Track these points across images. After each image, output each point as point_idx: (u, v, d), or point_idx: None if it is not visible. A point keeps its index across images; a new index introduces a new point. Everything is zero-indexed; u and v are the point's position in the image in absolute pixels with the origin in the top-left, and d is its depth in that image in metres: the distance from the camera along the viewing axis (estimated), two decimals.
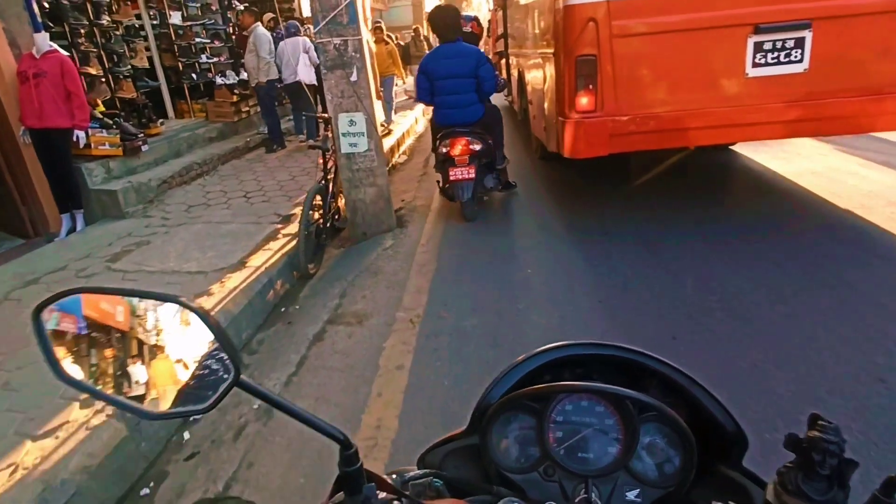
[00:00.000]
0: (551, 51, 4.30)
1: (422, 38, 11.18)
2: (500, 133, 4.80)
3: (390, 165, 6.57)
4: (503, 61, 9.88)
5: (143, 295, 0.58)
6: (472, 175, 4.44)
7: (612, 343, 0.68)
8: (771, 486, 0.52)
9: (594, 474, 0.65)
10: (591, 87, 3.86)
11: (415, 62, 10.78)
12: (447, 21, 4.54)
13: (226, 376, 0.54)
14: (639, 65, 3.83)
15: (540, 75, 4.97)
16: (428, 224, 4.84)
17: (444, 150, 4.50)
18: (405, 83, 9.16)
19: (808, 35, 3.70)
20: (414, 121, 9.91)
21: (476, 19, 7.31)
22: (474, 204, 4.64)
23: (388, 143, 6.85)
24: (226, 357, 0.54)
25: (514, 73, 7.75)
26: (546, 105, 4.80)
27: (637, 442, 0.64)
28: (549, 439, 0.66)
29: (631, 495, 0.64)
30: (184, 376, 0.56)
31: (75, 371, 0.57)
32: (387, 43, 8.72)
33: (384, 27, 9.05)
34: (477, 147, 4.47)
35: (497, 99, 6.78)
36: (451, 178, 4.46)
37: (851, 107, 3.86)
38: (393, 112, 8.95)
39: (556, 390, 0.65)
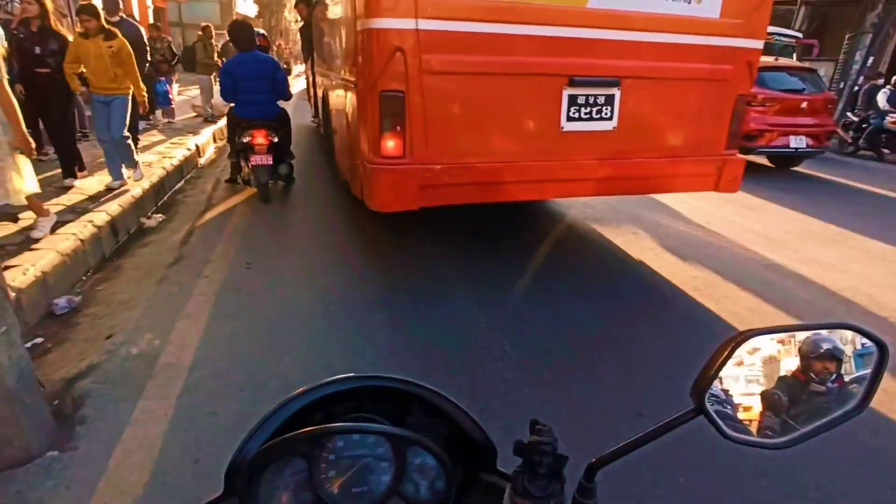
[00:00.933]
0: (353, 79, 3.57)
1: (213, 41, 9.64)
2: (290, 132, 5.82)
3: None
4: (309, 77, 8.99)
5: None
6: (271, 161, 5.21)
7: (376, 375, 0.69)
8: (507, 491, 0.58)
9: None
10: (398, 128, 3.22)
11: (201, 69, 9.56)
12: (246, 34, 5.43)
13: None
14: (452, 107, 3.31)
15: (343, 104, 4.22)
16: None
17: (247, 139, 5.17)
18: (146, 111, 5.65)
19: (616, 93, 3.57)
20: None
21: (264, 35, 9.18)
22: (268, 188, 5.39)
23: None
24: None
25: (320, 93, 6.89)
26: (349, 142, 4.06)
27: (406, 465, 0.65)
28: (322, 480, 0.64)
29: None
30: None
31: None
32: (109, 37, 4.73)
33: (99, 11, 4.86)
34: (274, 139, 5.23)
35: (303, 118, 8.59)
36: (253, 163, 5.18)
37: (652, 167, 3.83)
38: (136, 154, 5.35)
39: (321, 432, 0.63)
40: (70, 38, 4.87)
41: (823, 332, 0.60)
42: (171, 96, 8.88)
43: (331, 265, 4.01)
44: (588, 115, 3.56)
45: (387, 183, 3.31)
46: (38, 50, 4.72)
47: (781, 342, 0.60)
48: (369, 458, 0.66)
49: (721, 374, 0.57)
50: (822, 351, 0.61)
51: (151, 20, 14.34)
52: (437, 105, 3.25)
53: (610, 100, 3.57)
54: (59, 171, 5.03)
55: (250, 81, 5.19)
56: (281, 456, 0.64)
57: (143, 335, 2.86)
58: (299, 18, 9.00)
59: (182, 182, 6.28)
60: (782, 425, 0.60)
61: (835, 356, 0.61)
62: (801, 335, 0.61)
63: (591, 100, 3.53)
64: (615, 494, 1.64)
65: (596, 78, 3.49)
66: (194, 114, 9.90)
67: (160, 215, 5.03)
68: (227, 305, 3.24)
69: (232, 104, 5.46)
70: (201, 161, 7.32)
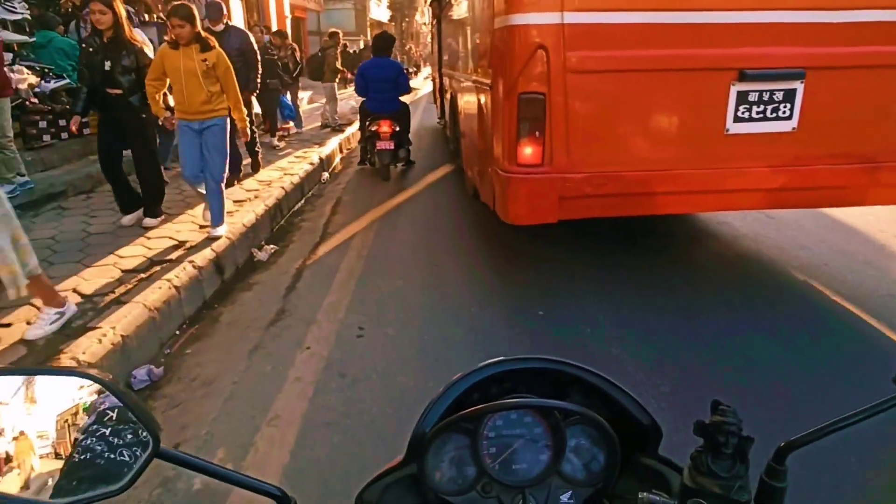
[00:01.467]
0: (488, 81, 3.37)
1: (346, 49, 9.93)
2: (409, 123, 6.71)
3: None
4: (437, 80, 9.01)
5: (35, 372, 0.54)
6: (392, 147, 6.24)
7: (535, 356, 0.70)
8: (686, 470, 0.57)
9: (529, 484, 0.66)
10: (537, 134, 2.96)
11: (329, 76, 9.00)
12: (383, 43, 6.56)
13: (144, 447, 0.51)
14: (598, 110, 2.98)
15: (474, 107, 4.04)
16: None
17: (374, 128, 6.22)
18: (248, 137, 4.56)
19: (799, 87, 2.99)
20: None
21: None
22: (389, 168, 6.48)
23: None
24: (140, 427, 0.51)
25: (448, 95, 6.82)
26: (480, 148, 3.86)
27: (565, 446, 0.66)
28: (484, 456, 0.67)
29: (564, 498, 0.67)
30: (96, 457, 0.51)
31: None
32: (205, 49, 3.75)
33: (194, 15, 3.76)
34: (396, 128, 6.21)
35: (429, 120, 8.95)
36: (378, 147, 6.23)
37: (840, 176, 3.17)
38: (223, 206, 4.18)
39: (490, 410, 0.65)
40: (148, 51, 4.14)
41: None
42: (296, 106, 8.69)
43: (462, 330, 3.02)
44: (761, 115, 3.02)
45: (523, 193, 3.07)
46: (107, 65, 3.84)
47: None
48: (527, 437, 0.68)
49: None
50: None
51: (290, 31, 15.43)
52: (581, 107, 2.93)
53: (790, 95, 3.00)
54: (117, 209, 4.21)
55: (379, 82, 6.24)
56: (447, 432, 0.67)
57: (215, 450, 2.14)
58: (431, 19, 9.05)
59: (302, 202, 5.66)
60: None
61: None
62: None
63: (766, 96, 2.99)
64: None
65: (774, 70, 2.95)
66: (321, 123, 9.57)
67: (272, 246, 4.27)
68: (326, 403, 2.42)
69: (363, 98, 6.52)
70: (325, 176, 6.71)
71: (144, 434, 0.51)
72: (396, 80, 6.23)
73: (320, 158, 6.84)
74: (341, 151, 8.33)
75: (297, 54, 8.78)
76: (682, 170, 3.08)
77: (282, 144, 7.51)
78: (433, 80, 10.20)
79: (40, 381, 0.52)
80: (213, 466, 0.54)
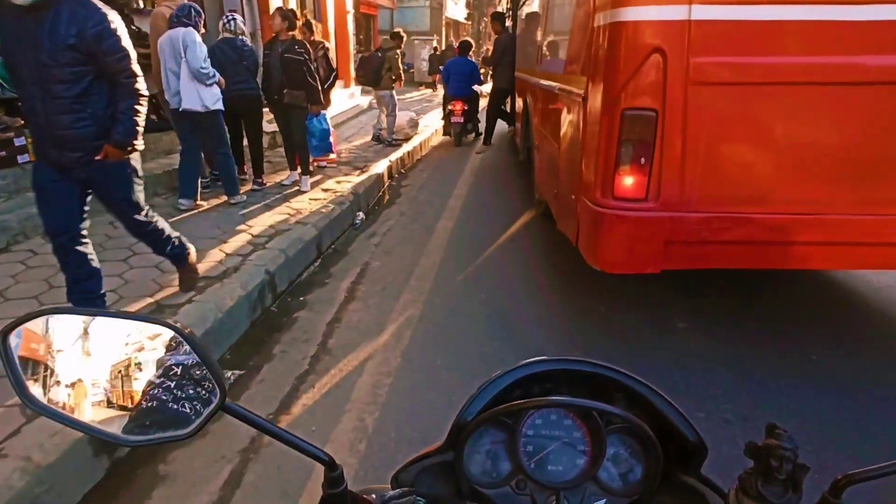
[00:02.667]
0: (578, 90, 2.74)
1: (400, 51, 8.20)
2: (477, 107, 8.93)
3: None
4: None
5: (123, 316, 0.58)
6: (462, 121, 8.48)
7: (580, 358, 0.69)
8: (733, 491, 0.56)
9: (564, 486, 0.66)
10: (642, 160, 2.32)
11: (386, 83, 7.71)
12: (466, 48, 8.83)
13: (212, 399, 0.53)
14: (729, 133, 2.31)
15: (556, 119, 3.41)
16: None
17: (450, 107, 8.42)
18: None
19: None
20: None
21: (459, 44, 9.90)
22: (462, 137, 8.73)
23: None
24: (211, 379, 0.54)
25: (519, 101, 6.17)
26: (561, 168, 3.23)
27: (604, 453, 0.65)
28: (521, 453, 0.66)
29: None
30: (164, 400, 0.54)
31: (47, 396, 0.54)
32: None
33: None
34: (466, 108, 8.39)
35: (501, 125, 8.57)
36: (452, 121, 8.48)
37: None
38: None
39: (532, 406, 0.65)
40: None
41: None
42: (331, 139, 5.70)
43: None
44: None
45: (619, 235, 2.43)
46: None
47: None
48: (565, 440, 0.66)
49: None
50: None
51: (352, 30, 14.89)
52: (704, 129, 2.27)
53: None
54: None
55: (458, 75, 8.41)
56: (490, 425, 0.66)
57: None
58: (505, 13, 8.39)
59: (316, 264, 3.95)
60: None
61: None
62: None
63: None
64: None
65: None
66: (372, 136, 8.11)
67: (232, 373, 2.58)
68: None
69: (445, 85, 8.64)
70: (360, 217, 4.92)
71: (213, 386, 0.54)
72: (471, 75, 8.49)
73: (354, 193, 5.12)
74: (391, 177, 6.53)
75: (331, 55, 6.10)
76: (840, 214, 2.33)
77: (307, 190, 5.20)
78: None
79: (127, 324, 0.55)
80: (271, 426, 0.55)
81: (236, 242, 3.80)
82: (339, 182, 5.59)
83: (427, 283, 3.53)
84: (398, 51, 7.98)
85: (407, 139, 8.05)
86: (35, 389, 0.54)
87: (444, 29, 24.54)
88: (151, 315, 0.56)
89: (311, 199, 4.91)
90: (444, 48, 18.44)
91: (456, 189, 5.95)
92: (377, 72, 7.71)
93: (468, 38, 9.63)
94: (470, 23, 29.77)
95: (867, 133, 2.26)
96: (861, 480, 0.53)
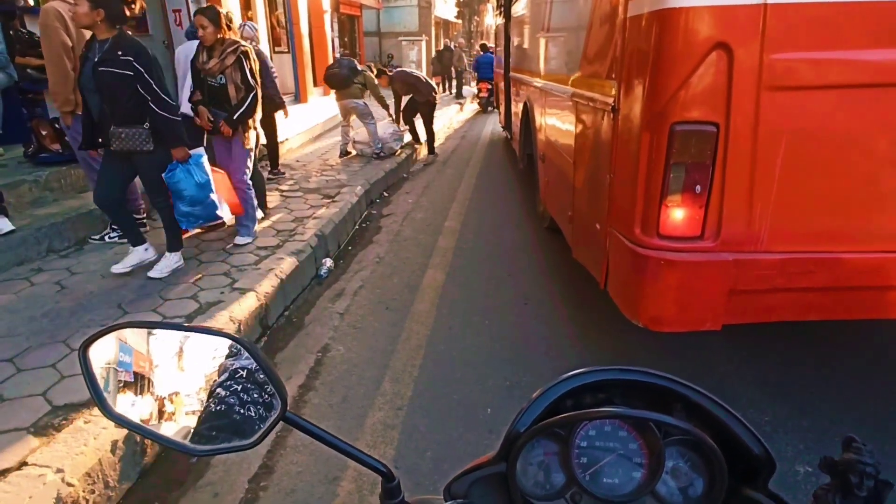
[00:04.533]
0: (605, 98, 2.20)
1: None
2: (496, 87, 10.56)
3: None
4: (500, 82, 7.89)
5: (191, 329, 0.61)
6: (487, 96, 12.92)
7: (636, 368, 0.66)
8: None
9: (621, 499, 0.63)
10: (697, 189, 1.79)
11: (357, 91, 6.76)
12: (486, 48, 13.30)
13: (273, 410, 0.56)
14: (816, 150, 1.77)
15: (572, 131, 2.86)
16: None
17: (479, 86, 13.60)
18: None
19: None
20: None
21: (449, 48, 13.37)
22: (488, 107, 13.04)
23: None
24: (273, 391, 0.56)
25: (518, 106, 5.61)
26: (578, 189, 2.69)
27: (663, 466, 0.62)
28: (574, 465, 0.64)
29: None
30: (230, 410, 0.57)
31: (123, 407, 0.58)
32: None
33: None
34: (489, 86, 12.39)
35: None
36: (480, 96, 13.51)
37: None
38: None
39: (587, 417, 0.63)
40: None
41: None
42: (214, 196, 3.46)
43: None
44: None
45: (668, 285, 1.89)
46: None
47: None
48: (621, 452, 0.64)
49: None
50: None
51: (334, 32, 14.15)
52: (781, 146, 1.74)
53: None
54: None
55: (483, 65, 12.45)
56: (542, 436, 0.65)
57: None
58: (496, 10, 7.90)
59: (261, 346, 2.95)
60: None
61: None
62: None
63: None
64: None
65: None
66: (354, 152, 7.17)
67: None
68: None
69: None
70: (327, 265, 3.97)
71: (276, 397, 0.56)
72: (492, 65, 11.06)
73: (319, 235, 4.14)
74: (370, 203, 5.69)
75: (253, 64, 3.75)
76: None
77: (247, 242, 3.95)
78: (495, 84, 9.27)
79: (192, 337, 0.59)
80: (331, 437, 0.58)
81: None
82: (300, 220, 4.50)
83: (407, 390, 2.55)
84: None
85: (394, 153, 7.25)
86: (113, 401, 0.57)
87: (433, 29, 23.88)
88: (215, 328, 0.57)
89: (258, 249, 3.85)
90: (441, 48, 18.11)
91: (448, 220, 5.07)
92: (349, 77, 6.71)
93: (486, 43, 14.13)
94: (460, 21, 29.15)
95: None
96: None
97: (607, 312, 2.31)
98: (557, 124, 3.34)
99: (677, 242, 1.86)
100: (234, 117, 3.69)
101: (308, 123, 8.35)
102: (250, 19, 9.08)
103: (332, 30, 13.46)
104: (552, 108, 3.51)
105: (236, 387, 0.57)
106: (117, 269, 3.36)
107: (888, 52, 1.66)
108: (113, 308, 2.97)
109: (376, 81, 6.96)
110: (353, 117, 7.02)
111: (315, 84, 10.38)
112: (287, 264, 3.56)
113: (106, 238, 3.94)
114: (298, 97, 9.61)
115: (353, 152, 7.22)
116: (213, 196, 3.46)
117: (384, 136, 7.10)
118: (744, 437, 0.62)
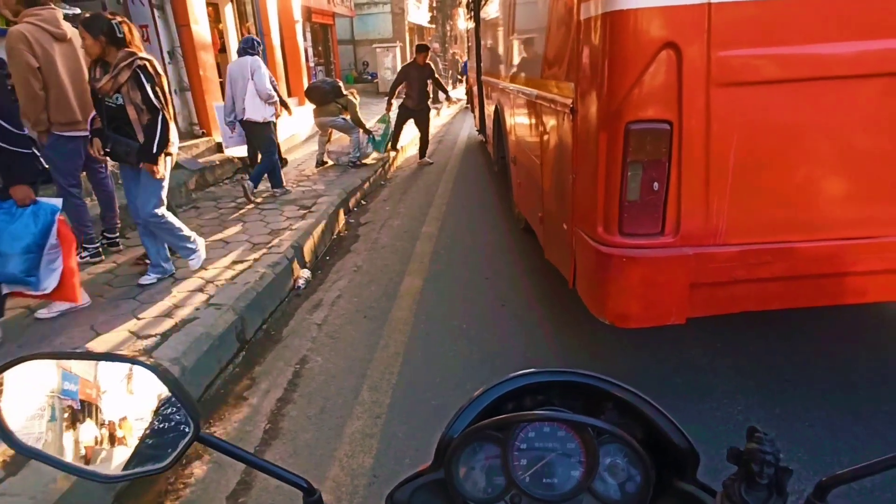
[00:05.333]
0: (564, 100, 2.23)
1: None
2: None
3: None
4: (474, 86, 7.94)
5: (100, 357, 0.62)
6: None
7: (571, 370, 0.68)
8: (717, 498, 0.56)
9: (559, 499, 0.65)
10: (655, 186, 1.82)
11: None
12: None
13: (186, 430, 0.56)
14: (767, 143, 1.82)
15: (536, 133, 2.91)
16: None
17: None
18: None
19: None
20: None
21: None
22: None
23: None
24: (185, 413, 0.56)
25: (490, 108, 5.66)
26: (546, 190, 2.73)
27: (598, 464, 0.65)
28: (515, 467, 0.66)
29: None
30: (141, 435, 0.57)
31: (30, 438, 0.57)
32: None
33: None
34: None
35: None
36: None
37: None
38: None
39: (519, 420, 0.66)
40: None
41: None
42: (53, 265, 2.83)
43: None
44: None
45: (632, 281, 1.93)
46: None
47: None
48: (559, 452, 0.66)
49: None
50: None
51: (307, 42, 13.93)
52: (734, 141, 1.78)
53: None
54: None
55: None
56: (479, 439, 0.67)
57: None
58: (467, 14, 7.96)
59: (238, 359, 2.95)
60: None
61: None
62: None
63: None
64: None
65: None
66: (330, 162, 7.25)
67: None
68: None
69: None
70: (303, 276, 3.96)
71: (187, 420, 0.56)
72: None
73: (296, 247, 4.16)
74: (348, 212, 5.63)
75: (159, 80, 3.22)
76: None
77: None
78: (469, 88, 9.23)
79: (102, 365, 0.59)
80: (247, 454, 0.57)
81: (113, 343, 2.78)
82: (276, 233, 4.47)
83: (385, 398, 2.55)
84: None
85: (365, 158, 7.27)
86: (20, 432, 0.56)
87: (407, 35, 23.92)
88: (122, 354, 0.60)
89: (234, 263, 3.82)
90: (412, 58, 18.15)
91: (425, 226, 5.09)
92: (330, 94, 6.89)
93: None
94: (434, 26, 29.21)
95: None
96: (846, 481, 0.53)
97: (582, 312, 2.33)
98: (525, 127, 3.38)
99: (639, 239, 1.89)
100: (153, 151, 3.19)
101: (282, 135, 8.31)
102: (249, 32, 9.09)
103: (305, 39, 13.40)
104: (520, 110, 3.55)
105: (148, 412, 0.57)
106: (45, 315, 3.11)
107: (830, 46, 1.72)
108: (84, 328, 2.95)
109: (357, 105, 7.07)
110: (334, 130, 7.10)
111: (289, 95, 10.35)
112: (263, 277, 3.55)
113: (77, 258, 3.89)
114: None
115: (330, 162, 7.24)
116: (53, 265, 2.84)
117: (362, 143, 7.18)
118: (669, 432, 0.64)
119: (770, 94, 1.75)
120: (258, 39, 5.66)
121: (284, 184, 5.81)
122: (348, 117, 6.96)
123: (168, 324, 2.96)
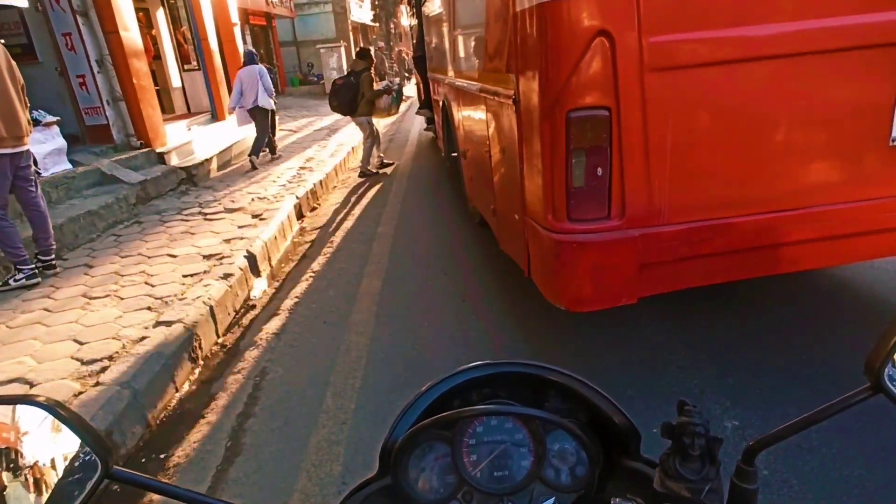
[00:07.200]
0: (508, 92, 2.27)
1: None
2: None
3: None
4: (420, 83, 7.93)
5: None
6: None
7: (512, 361, 0.70)
8: (657, 474, 0.57)
9: (511, 490, 0.66)
10: (599, 171, 1.88)
11: (365, 108, 6.76)
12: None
13: (94, 471, 0.51)
14: (699, 126, 1.90)
15: (483, 126, 2.94)
16: None
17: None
18: None
19: None
20: None
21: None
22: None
23: None
24: (89, 451, 0.52)
25: (439, 105, 5.68)
26: (496, 182, 2.76)
27: (547, 451, 0.67)
28: (465, 464, 0.66)
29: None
30: (44, 480, 0.52)
31: None
32: None
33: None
34: None
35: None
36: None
37: None
38: None
39: (459, 416, 0.65)
40: None
41: None
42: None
43: None
44: None
45: (583, 266, 1.98)
46: None
47: None
48: (508, 444, 0.67)
49: None
50: None
51: (247, 44, 13.55)
52: (669, 124, 1.85)
53: None
54: None
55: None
56: (425, 440, 0.66)
57: None
58: (409, 10, 7.77)
59: (194, 375, 2.92)
60: None
61: None
62: None
63: None
64: None
65: None
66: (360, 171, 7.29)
67: None
68: None
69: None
70: (258, 288, 3.95)
71: (93, 457, 0.52)
72: None
73: (249, 256, 4.06)
74: (301, 217, 5.59)
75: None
76: (824, 206, 2.00)
77: None
78: (417, 84, 9.20)
79: (19, 407, 0.53)
80: (170, 487, 0.55)
81: (56, 372, 2.64)
82: (227, 242, 4.36)
83: (350, 403, 2.53)
84: (371, 70, 6.90)
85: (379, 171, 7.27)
86: None
87: (350, 35, 23.65)
88: (10, 395, 0.52)
89: (184, 277, 3.72)
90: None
91: (380, 226, 5.08)
92: (353, 99, 6.67)
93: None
94: (378, 24, 28.97)
95: (845, 108, 1.93)
96: (770, 443, 0.55)
97: (541, 300, 2.39)
98: (472, 120, 3.42)
99: (587, 224, 1.95)
100: None
101: (227, 141, 8.11)
102: (184, 37, 8.85)
103: (245, 42, 13.08)
104: (466, 104, 3.59)
105: (57, 453, 0.52)
106: None
107: (754, 29, 1.81)
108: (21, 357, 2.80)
109: (371, 82, 6.98)
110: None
111: None
112: (215, 290, 3.46)
113: (11, 282, 3.69)
114: (215, 115, 9.29)
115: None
116: None
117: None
118: (610, 413, 0.65)
119: (701, 76, 1.83)
120: (255, 51, 7.77)
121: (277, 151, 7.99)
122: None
123: (114, 346, 2.85)
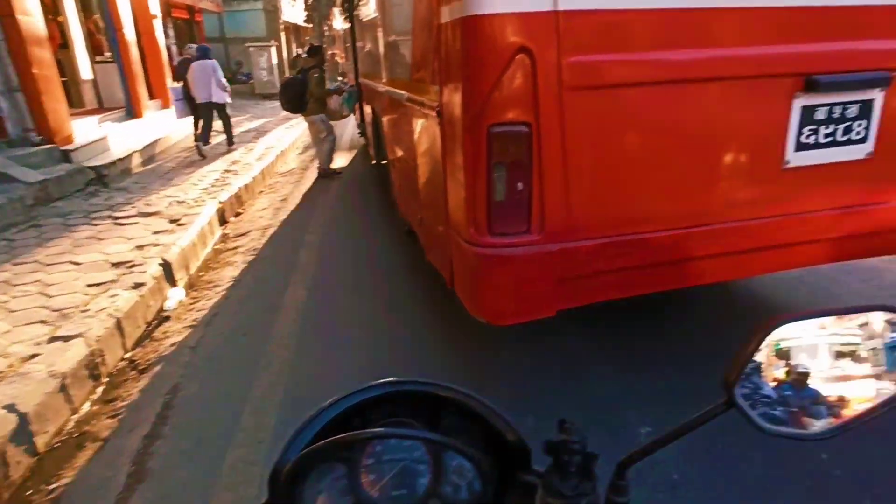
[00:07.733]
0: (431, 102, 2.26)
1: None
2: None
3: None
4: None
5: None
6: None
7: (409, 379, 0.70)
8: (539, 490, 0.59)
9: None
10: (519, 186, 1.91)
11: (316, 107, 6.55)
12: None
13: None
14: (613, 143, 1.97)
15: (410, 136, 2.92)
16: None
17: None
18: None
19: (878, 98, 2.12)
20: None
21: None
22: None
23: None
24: None
25: (367, 108, 5.61)
26: (423, 194, 2.75)
27: (444, 468, 0.66)
28: (362, 484, 0.64)
29: None
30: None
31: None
32: None
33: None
34: None
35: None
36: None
37: None
38: None
39: (356, 439, 0.64)
40: None
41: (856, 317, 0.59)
42: None
43: None
44: (830, 139, 2.15)
45: (504, 279, 2.00)
46: None
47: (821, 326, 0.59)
48: (407, 462, 0.66)
49: (754, 363, 0.57)
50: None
51: (170, 38, 12.87)
52: (587, 141, 1.92)
53: (866, 109, 2.15)
54: None
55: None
56: (320, 462, 0.65)
57: None
58: (342, 14, 7.61)
59: (99, 391, 2.71)
60: (822, 414, 0.57)
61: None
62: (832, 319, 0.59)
63: (838, 112, 2.12)
64: None
65: (850, 75, 2.06)
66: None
67: None
68: None
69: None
70: (175, 297, 3.73)
71: None
72: None
73: (164, 265, 3.81)
74: (224, 222, 5.38)
75: None
76: (729, 223, 2.12)
77: None
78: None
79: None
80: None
81: None
82: (140, 248, 4.10)
83: (270, 420, 2.42)
84: (322, 69, 6.72)
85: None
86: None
87: (282, 34, 22.98)
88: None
89: (88, 287, 3.44)
90: (295, 56, 17.31)
91: (308, 234, 4.93)
92: (300, 97, 6.43)
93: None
94: (311, 25, 28.34)
95: (745, 132, 2.07)
96: (640, 458, 0.57)
97: (464, 311, 2.39)
98: (400, 129, 3.39)
99: (507, 238, 1.97)
100: None
101: (144, 140, 7.64)
102: (96, 26, 8.28)
103: (168, 36, 12.40)
104: (394, 113, 3.56)
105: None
106: None
107: (668, 53, 1.90)
108: None
109: (320, 80, 6.75)
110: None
111: (151, 97, 9.51)
112: (124, 301, 3.22)
113: None
114: (131, 111, 8.71)
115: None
116: None
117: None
118: (502, 429, 0.67)
119: (617, 97, 1.90)
120: (209, 47, 8.56)
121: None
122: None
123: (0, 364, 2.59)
